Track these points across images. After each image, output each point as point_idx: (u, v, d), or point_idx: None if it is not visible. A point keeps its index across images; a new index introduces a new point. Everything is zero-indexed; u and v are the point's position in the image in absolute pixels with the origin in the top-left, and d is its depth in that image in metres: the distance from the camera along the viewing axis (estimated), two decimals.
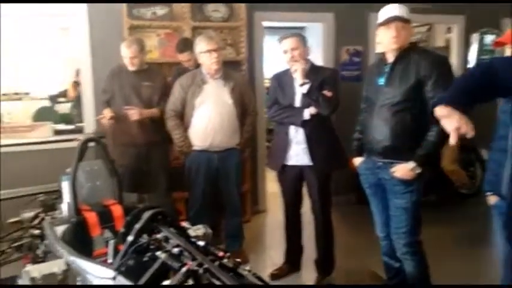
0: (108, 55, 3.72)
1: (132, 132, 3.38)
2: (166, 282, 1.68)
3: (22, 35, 6.99)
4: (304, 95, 2.83)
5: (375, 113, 2.41)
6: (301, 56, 2.85)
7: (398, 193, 2.38)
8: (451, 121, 1.56)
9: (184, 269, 1.64)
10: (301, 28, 5.49)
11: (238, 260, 1.84)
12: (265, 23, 4.59)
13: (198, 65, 3.45)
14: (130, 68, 3.38)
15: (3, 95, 7.25)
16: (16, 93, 7.36)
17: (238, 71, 4.14)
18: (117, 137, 3.42)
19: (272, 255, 3.68)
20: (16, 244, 2.79)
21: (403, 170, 2.32)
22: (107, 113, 3.40)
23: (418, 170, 2.29)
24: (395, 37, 2.30)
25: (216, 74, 3.21)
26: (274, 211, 4.96)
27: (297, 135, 2.92)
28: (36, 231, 2.56)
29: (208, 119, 3.17)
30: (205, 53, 3.13)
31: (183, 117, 3.25)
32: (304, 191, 3.15)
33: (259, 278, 1.85)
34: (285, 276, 3.25)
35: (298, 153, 2.94)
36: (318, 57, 4.78)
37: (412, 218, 2.38)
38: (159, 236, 1.91)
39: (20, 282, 2.02)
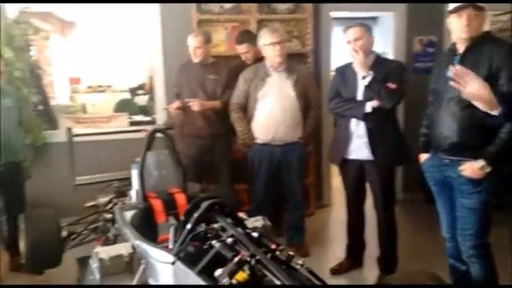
0: (178, 49, 3.85)
1: (197, 124, 3.50)
2: (219, 271, 1.75)
3: (103, 32, 7.47)
4: (366, 88, 2.76)
5: (442, 107, 2.29)
6: (364, 46, 2.77)
7: (465, 193, 2.25)
8: None
9: (236, 259, 1.69)
10: (374, 18, 5.31)
11: (292, 253, 1.86)
12: (334, 14, 4.50)
13: (256, 59, 3.48)
14: (195, 59, 3.48)
15: (88, 87, 7.85)
16: (100, 86, 7.92)
17: (304, 63, 4.12)
18: (184, 128, 3.56)
19: (335, 250, 3.64)
20: (91, 226, 3.04)
21: (472, 168, 2.18)
22: (175, 103, 3.54)
23: (488, 169, 2.14)
24: (467, 26, 2.16)
25: (280, 66, 3.22)
26: (339, 206, 4.88)
27: (358, 129, 2.86)
28: (109, 216, 2.76)
29: (270, 112, 3.20)
30: (268, 46, 3.15)
31: (246, 110, 3.30)
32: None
33: (312, 273, 1.85)
34: (345, 272, 3.21)
35: (359, 147, 2.87)
36: (389, 48, 4.62)
37: (480, 219, 2.24)
38: (216, 225, 1.98)
39: (91, 262, 2.20)
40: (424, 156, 2.50)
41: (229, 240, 1.81)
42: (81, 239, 3.01)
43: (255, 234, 1.88)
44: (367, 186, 3.07)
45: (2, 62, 3.23)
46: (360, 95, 2.85)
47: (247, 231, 1.92)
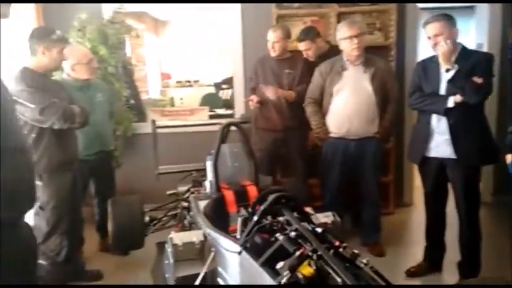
0: (258, 44, 3.93)
1: (272, 117, 3.55)
2: (280, 264, 1.77)
3: (192, 29, 7.81)
4: (450, 81, 2.58)
5: None
6: (446, 40, 2.59)
7: None
8: None
9: (297, 253, 1.70)
10: (471, 8, 4.94)
11: (356, 251, 1.82)
12: (422, 4, 4.26)
13: (318, 55, 3.42)
14: (272, 53, 3.52)
15: (178, 82, 8.28)
16: (188, 81, 8.32)
17: (386, 56, 3.96)
18: (258, 121, 3.63)
19: (413, 251, 3.47)
20: (171, 213, 3.23)
21: None
22: (254, 97, 3.61)
23: None
24: None
25: (357, 60, 3.14)
26: (420, 205, 4.63)
27: (439, 125, 2.70)
28: (186, 204, 2.91)
29: (345, 106, 3.14)
30: (346, 40, 3.08)
31: (321, 104, 3.27)
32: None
33: (377, 272, 1.80)
34: (422, 275, 3.05)
35: (439, 144, 2.71)
36: (484, 39, 4.28)
37: None
38: (281, 218, 2.00)
39: (166, 246, 2.34)
40: (509, 157, 2.29)
41: (293, 234, 1.83)
42: (162, 224, 3.22)
43: (318, 230, 1.87)
44: (449, 186, 2.89)
45: (97, 59, 3.52)
46: (442, 90, 2.68)
47: (312, 226, 1.92)
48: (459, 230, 2.87)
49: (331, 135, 3.26)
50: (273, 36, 3.49)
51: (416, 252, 3.39)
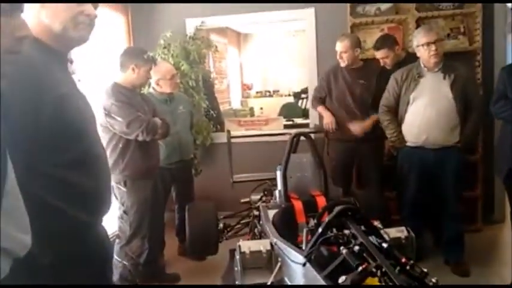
0: (332, 54, 3.89)
1: (346, 127, 3.49)
2: (342, 278, 1.74)
3: (271, 41, 7.98)
4: None
5: None
6: None
7: None
8: None
9: (360, 268, 1.66)
10: None
11: (425, 270, 1.73)
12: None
13: (396, 63, 3.32)
14: (342, 63, 3.48)
15: (257, 92, 8.49)
16: (267, 91, 8.49)
17: (472, 62, 3.72)
18: (332, 132, 3.58)
19: (502, 272, 3.20)
20: (243, 221, 3.30)
21: None
22: (331, 122, 3.54)
23: None
24: None
25: (436, 67, 3.00)
26: None
27: None
28: (257, 213, 2.96)
29: (423, 114, 3.01)
30: (423, 46, 2.95)
31: (397, 113, 3.16)
32: None
33: None
34: None
35: None
36: None
37: None
38: (347, 231, 1.97)
39: (235, 253, 2.41)
40: None
41: (357, 248, 1.79)
42: (235, 232, 3.30)
43: (384, 245, 1.81)
44: None
45: (179, 74, 3.74)
46: None
47: (378, 241, 1.86)
48: None
49: (408, 144, 3.13)
50: (340, 46, 3.45)
51: (504, 273, 3.13)
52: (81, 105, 1.43)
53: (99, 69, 3.56)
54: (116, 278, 2.80)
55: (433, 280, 1.70)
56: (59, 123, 1.27)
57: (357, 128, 3.39)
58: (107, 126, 2.73)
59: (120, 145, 2.77)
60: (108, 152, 2.77)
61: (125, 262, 2.78)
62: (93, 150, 1.44)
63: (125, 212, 2.78)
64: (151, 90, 3.45)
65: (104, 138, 2.75)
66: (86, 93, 1.54)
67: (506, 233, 4.01)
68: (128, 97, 2.84)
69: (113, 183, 2.76)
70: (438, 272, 2.80)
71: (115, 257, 2.81)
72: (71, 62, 1.55)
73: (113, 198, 2.78)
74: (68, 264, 1.29)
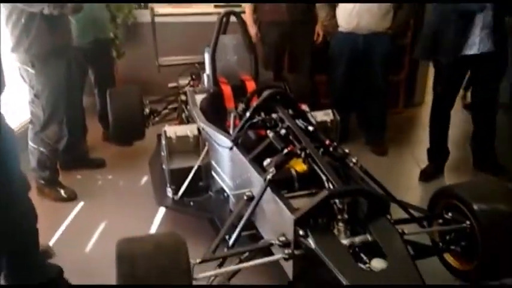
0: None
1: (279, 9, 3.29)
2: (267, 161, 1.74)
3: None
4: None
5: None
6: None
7: None
8: None
9: (285, 151, 1.67)
10: None
11: (347, 150, 1.78)
12: None
13: None
14: None
15: None
16: None
17: None
18: (265, 14, 3.38)
19: (415, 152, 3.45)
20: (171, 107, 3.18)
21: None
22: None
23: None
24: None
25: None
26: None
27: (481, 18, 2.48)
28: (184, 97, 2.84)
29: None
30: None
31: None
32: None
33: (366, 173, 1.77)
34: (428, 178, 2.99)
35: (480, 39, 2.52)
36: None
37: None
38: (274, 115, 1.94)
39: (161, 139, 2.33)
40: None
41: (283, 131, 1.78)
42: (163, 117, 3.19)
43: (310, 128, 1.82)
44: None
45: None
46: None
47: (304, 124, 1.86)
48: (474, 130, 2.86)
49: (340, 29, 3.07)
50: None
51: (418, 152, 3.38)
52: None
53: None
54: (33, 164, 2.65)
55: (353, 160, 1.76)
56: None
57: None
58: None
59: (23, 20, 2.41)
60: (9, 29, 2.43)
61: (41, 149, 2.61)
62: None
63: (35, 95, 2.52)
64: None
65: (1, 13, 2.38)
66: None
67: (423, 116, 4.27)
68: None
69: (18, 64, 2.47)
70: (359, 152, 2.95)
71: (30, 143, 2.63)
72: None
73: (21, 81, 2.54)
74: None
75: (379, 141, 3.45)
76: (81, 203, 2.71)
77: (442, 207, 1.78)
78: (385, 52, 3.09)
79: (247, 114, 1.95)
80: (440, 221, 1.75)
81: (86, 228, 2.46)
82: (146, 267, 1.28)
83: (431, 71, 4.15)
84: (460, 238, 1.68)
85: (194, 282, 1.32)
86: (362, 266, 1.31)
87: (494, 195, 1.67)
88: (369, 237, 1.40)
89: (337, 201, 1.43)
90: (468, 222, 1.63)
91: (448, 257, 1.80)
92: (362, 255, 1.38)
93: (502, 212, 1.60)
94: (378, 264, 1.29)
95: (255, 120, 1.93)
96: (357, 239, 1.41)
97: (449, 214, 1.72)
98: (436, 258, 1.80)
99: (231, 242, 1.55)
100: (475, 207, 1.60)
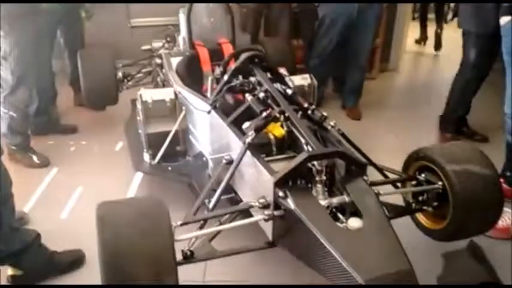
0: None
1: None
2: (246, 124, 1.74)
3: None
4: None
5: None
6: None
7: None
8: None
9: (264, 114, 1.66)
10: None
11: (325, 114, 1.79)
12: None
13: None
14: None
15: None
16: None
17: None
18: None
19: (387, 115, 3.52)
20: (145, 70, 3.11)
21: None
22: None
23: None
24: None
25: None
26: (405, 72, 4.59)
27: None
28: (159, 61, 2.77)
29: None
30: None
31: None
32: None
33: (343, 135, 1.80)
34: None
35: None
36: None
37: None
38: (253, 79, 1.92)
39: (137, 103, 2.29)
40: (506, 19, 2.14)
41: (262, 95, 1.77)
42: (136, 81, 3.12)
43: (289, 92, 1.81)
44: None
45: None
46: None
47: (283, 87, 1.85)
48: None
49: None
50: None
51: (390, 116, 3.45)
52: None
53: None
54: (4, 130, 2.57)
55: (331, 123, 1.78)
56: None
57: None
58: None
59: None
60: None
61: (12, 113, 2.52)
62: None
63: (3, 58, 2.42)
64: None
65: None
66: None
67: (397, 81, 4.34)
68: None
69: None
70: (334, 116, 2.96)
71: (1, 108, 2.53)
72: None
73: None
74: None
75: (355, 106, 3.50)
76: (55, 169, 2.66)
77: (416, 169, 1.83)
78: (376, 15, 3.17)
79: (225, 77, 1.92)
80: (414, 182, 1.81)
81: (61, 194, 2.43)
82: (128, 230, 1.28)
83: (408, 37, 4.21)
84: (432, 198, 1.74)
85: (176, 244, 1.33)
86: (339, 225, 1.35)
87: (466, 157, 1.72)
88: (346, 198, 1.44)
89: (315, 163, 1.45)
90: (441, 183, 1.68)
91: (419, 216, 1.87)
92: (339, 215, 1.42)
93: (473, 173, 1.65)
94: (354, 223, 1.33)
95: (233, 84, 1.91)
96: (335, 200, 1.44)
97: (423, 176, 1.77)
98: (408, 218, 1.87)
99: (211, 205, 1.56)
100: (448, 168, 1.65)
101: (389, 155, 2.89)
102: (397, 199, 1.86)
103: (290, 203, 1.38)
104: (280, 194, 1.41)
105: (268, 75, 1.92)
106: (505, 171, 2.32)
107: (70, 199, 2.39)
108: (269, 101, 1.75)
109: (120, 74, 2.99)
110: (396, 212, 1.74)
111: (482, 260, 1.53)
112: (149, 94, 2.21)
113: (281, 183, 1.42)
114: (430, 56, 5.24)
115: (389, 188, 1.81)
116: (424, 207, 1.78)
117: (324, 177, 1.47)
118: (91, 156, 2.85)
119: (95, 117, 3.24)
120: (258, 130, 1.61)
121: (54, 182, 2.56)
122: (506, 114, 2.28)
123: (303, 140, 1.58)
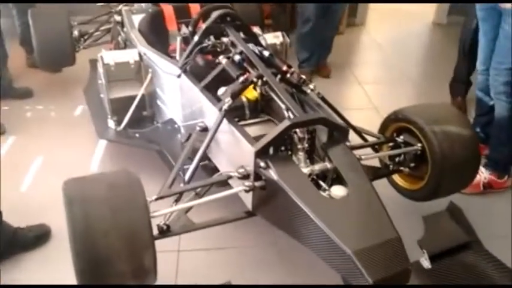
0: None
1: None
2: (222, 89, 1.64)
3: None
4: None
5: None
6: None
7: None
8: None
9: (241, 79, 1.56)
10: None
11: (304, 76, 1.71)
12: None
13: None
14: None
15: None
16: None
17: None
18: None
19: (356, 72, 3.48)
20: (104, 28, 2.89)
21: None
22: None
23: None
24: None
25: None
26: (372, 27, 4.52)
27: None
28: (119, 18, 2.57)
29: None
30: None
31: None
32: None
33: (323, 99, 1.73)
34: None
35: None
36: None
37: None
38: (226, 39, 1.80)
39: (98, 66, 2.12)
40: None
41: (237, 57, 1.65)
42: (94, 40, 2.91)
43: (266, 53, 1.70)
44: None
45: None
46: None
47: (259, 49, 1.73)
48: None
49: None
50: None
51: (361, 74, 3.41)
52: None
53: None
54: None
55: (311, 86, 1.70)
56: None
57: None
58: None
59: None
60: None
61: None
62: None
63: None
64: None
65: None
66: None
67: (364, 37, 4.27)
68: None
69: None
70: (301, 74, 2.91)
71: None
72: None
73: None
74: None
75: (324, 65, 3.43)
76: (12, 137, 2.47)
77: (393, 130, 1.81)
78: None
79: (196, 37, 1.78)
80: (391, 144, 1.78)
81: (19, 165, 2.26)
82: (100, 209, 1.19)
83: None
84: (410, 159, 1.73)
85: (152, 220, 1.25)
86: (323, 193, 1.31)
87: (444, 117, 1.70)
88: (328, 165, 1.39)
89: (297, 130, 1.39)
90: (419, 145, 1.67)
91: (396, 177, 1.87)
92: (321, 182, 1.38)
93: (451, 133, 1.64)
94: (338, 191, 1.29)
95: (204, 45, 1.78)
96: (317, 167, 1.39)
97: (401, 137, 1.75)
98: (384, 179, 1.86)
99: (187, 177, 1.47)
100: (427, 129, 1.63)
101: (363, 115, 2.90)
102: (373, 161, 1.84)
103: (272, 173, 1.32)
104: (262, 164, 1.34)
105: (242, 35, 1.80)
106: (474, 127, 2.33)
107: (30, 170, 2.23)
108: (245, 64, 1.64)
109: (76, 33, 2.77)
110: (374, 174, 1.71)
111: (462, 221, 1.55)
112: (111, 56, 2.04)
113: (262, 153, 1.35)
114: (397, 11, 5.18)
115: (368, 151, 1.77)
116: (401, 168, 1.76)
117: (305, 145, 1.41)
118: (49, 122, 2.66)
119: (51, 79, 3.02)
120: (234, 96, 1.51)
121: (12, 152, 2.38)
122: (477, 70, 2.27)
123: (283, 106, 1.50)
